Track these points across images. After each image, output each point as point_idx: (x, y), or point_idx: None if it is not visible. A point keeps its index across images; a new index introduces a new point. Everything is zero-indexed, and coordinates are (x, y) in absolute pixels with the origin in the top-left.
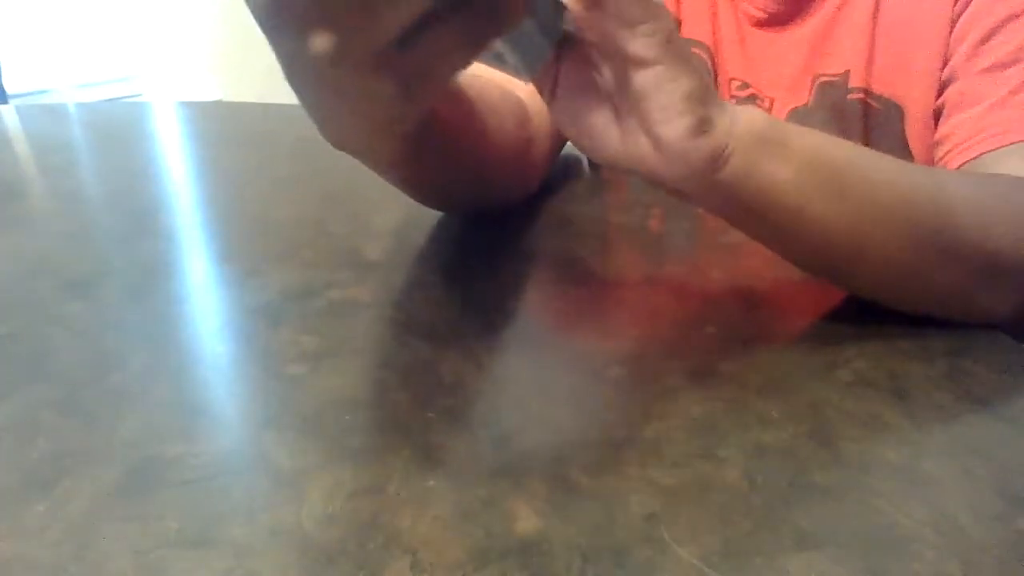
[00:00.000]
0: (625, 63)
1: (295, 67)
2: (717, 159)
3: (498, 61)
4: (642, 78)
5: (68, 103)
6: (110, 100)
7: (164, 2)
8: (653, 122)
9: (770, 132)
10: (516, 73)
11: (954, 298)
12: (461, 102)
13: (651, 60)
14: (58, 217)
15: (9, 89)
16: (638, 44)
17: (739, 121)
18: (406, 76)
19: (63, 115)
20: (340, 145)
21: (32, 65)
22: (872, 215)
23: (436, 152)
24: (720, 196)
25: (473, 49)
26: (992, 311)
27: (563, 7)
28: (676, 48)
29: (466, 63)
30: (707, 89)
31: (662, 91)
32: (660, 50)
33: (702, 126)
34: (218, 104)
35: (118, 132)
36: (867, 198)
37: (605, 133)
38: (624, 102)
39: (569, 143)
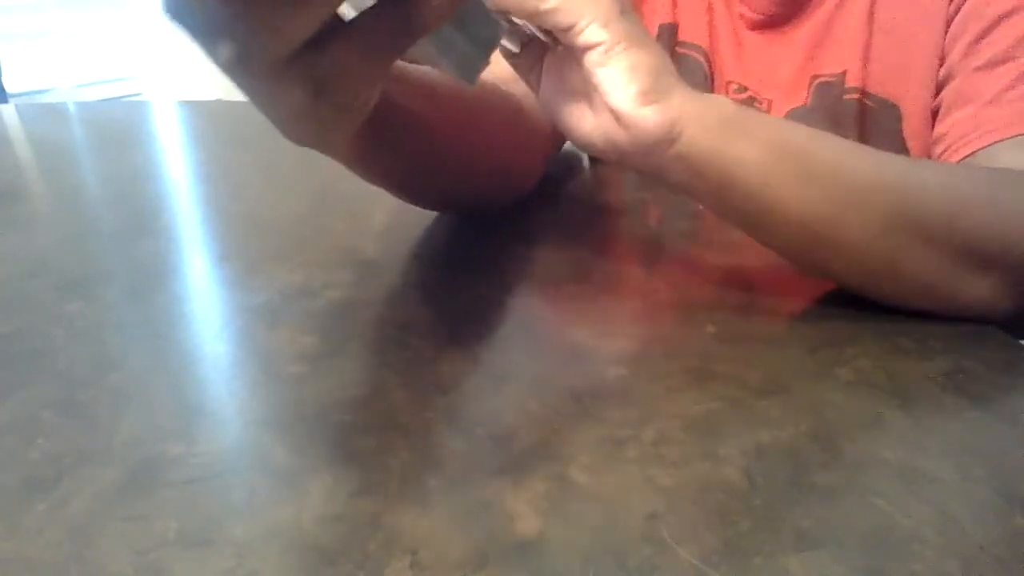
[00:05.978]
0: (578, 51)
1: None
2: (671, 130)
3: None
4: (591, 57)
5: (68, 103)
6: (110, 100)
7: None
8: (607, 93)
9: (735, 116)
10: (455, 80)
11: (933, 287)
12: (444, 101)
13: (596, 42)
14: (58, 217)
15: (9, 89)
16: (580, 38)
17: (700, 100)
18: (314, 83)
19: (63, 115)
20: (295, 141)
21: (32, 65)
22: (839, 198)
23: (416, 150)
24: (685, 172)
25: (382, 59)
26: (981, 303)
27: (495, 19)
28: (621, 27)
29: (379, 72)
30: (660, 64)
31: (610, 65)
32: (602, 32)
33: (651, 94)
34: (218, 104)
35: (118, 132)
36: (834, 181)
37: (581, 116)
38: (588, 84)
39: (569, 141)
